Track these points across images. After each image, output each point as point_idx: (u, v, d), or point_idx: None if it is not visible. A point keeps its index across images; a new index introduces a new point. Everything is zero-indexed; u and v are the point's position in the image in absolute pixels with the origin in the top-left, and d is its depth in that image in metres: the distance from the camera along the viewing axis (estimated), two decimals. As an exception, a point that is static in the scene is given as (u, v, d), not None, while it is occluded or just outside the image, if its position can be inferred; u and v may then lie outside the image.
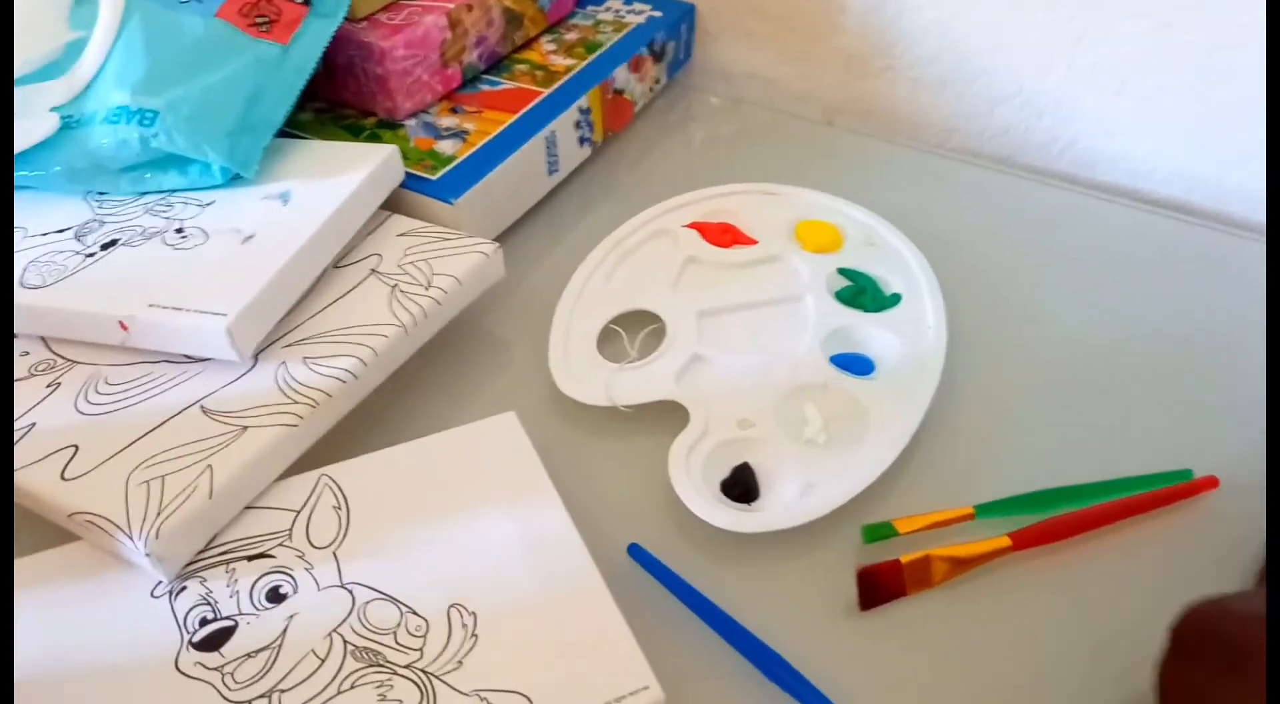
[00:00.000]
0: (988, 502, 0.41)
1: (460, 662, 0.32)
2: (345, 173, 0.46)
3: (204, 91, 0.45)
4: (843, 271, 0.51)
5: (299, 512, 0.37)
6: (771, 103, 0.67)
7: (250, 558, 0.35)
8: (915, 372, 0.46)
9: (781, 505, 0.40)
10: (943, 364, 0.46)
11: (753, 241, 0.53)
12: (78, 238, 0.44)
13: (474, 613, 0.34)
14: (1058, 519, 0.40)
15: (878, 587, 0.37)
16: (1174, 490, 0.42)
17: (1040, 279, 0.53)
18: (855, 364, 0.47)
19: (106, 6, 0.46)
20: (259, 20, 0.48)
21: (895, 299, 0.50)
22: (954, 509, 0.40)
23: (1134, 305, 0.52)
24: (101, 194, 0.47)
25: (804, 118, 0.66)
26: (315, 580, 0.35)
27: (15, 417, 0.38)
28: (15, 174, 0.46)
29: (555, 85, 0.58)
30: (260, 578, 0.35)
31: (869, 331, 0.48)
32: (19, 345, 0.41)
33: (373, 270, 0.45)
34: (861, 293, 0.50)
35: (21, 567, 0.35)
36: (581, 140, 0.59)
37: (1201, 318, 0.51)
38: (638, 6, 0.67)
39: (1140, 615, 0.37)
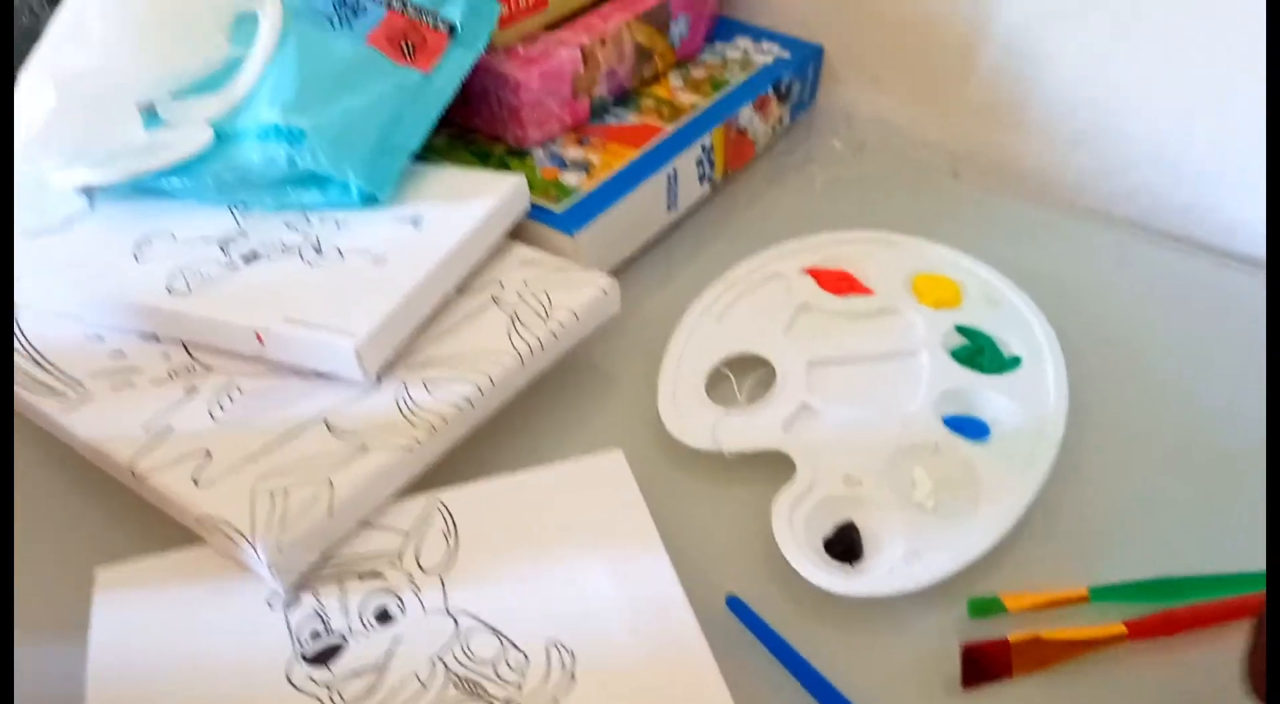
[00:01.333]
0: (1103, 585, 0.39)
1: (556, 700, 0.33)
2: (474, 200, 0.48)
3: (348, 114, 0.47)
4: (961, 329, 0.50)
5: (410, 533, 0.38)
6: (896, 149, 0.67)
7: (362, 576, 0.36)
8: (1032, 439, 0.44)
9: (886, 569, 0.39)
10: (1062, 433, 0.44)
11: (869, 291, 0.53)
12: (222, 248, 0.46)
13: (572, 653, 0.34)
14: (1178, 611, 0.38)
15: (983, 665, 0.36)
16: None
17: (1171, 350, 0.51)
18: (969, 427, 0.46)
19: (266, 27, 0.49)
20: (405, 47, 0.50)
21: (1015, 362, 0.49)
22: (1067, 590, 0.39)
23: (1261, 388, 0.49)
24: (245, 205, 0.49)
25: (929, 167, 0.65)
26: (422, 604, 0.35)
27: (157, 416, 0.40)
28: (169, 181, 0.48)
29: (680, 122, 0.59)
30: (370, 596, 0.36)
31: (985, 394, 0.47)
32: (162, 348, 0.44)
33: (493, 298, 0.46)
34: (979, 353, 0.49)
35: (149, 565, 0.36)
36: (702, 178, 0.59)
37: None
38: (766, 46, 0.67)
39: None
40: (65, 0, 0.48)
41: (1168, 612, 0.38)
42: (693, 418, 0.46)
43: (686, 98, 0.61)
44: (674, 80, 0.63)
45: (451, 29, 0.51)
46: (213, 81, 0.49)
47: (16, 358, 0.43)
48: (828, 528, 0.41)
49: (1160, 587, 0.39)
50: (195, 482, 0.37)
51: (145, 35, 0.48)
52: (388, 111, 0.48)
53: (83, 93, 0.46)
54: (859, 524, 0.41)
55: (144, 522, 0.40)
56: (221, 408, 0.40)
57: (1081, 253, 0.58)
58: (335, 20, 0.50)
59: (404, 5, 0.51)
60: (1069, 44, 0.59)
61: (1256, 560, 0.40)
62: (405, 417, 0.40)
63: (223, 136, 0.48)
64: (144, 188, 0.49)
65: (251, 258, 0.45)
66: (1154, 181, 0.61)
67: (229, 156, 0.47)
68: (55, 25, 0.47)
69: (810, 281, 0.53)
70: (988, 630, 0.38)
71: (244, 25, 0.50)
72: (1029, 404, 0.46)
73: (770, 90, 0.63)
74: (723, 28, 0.69)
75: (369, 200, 0.48)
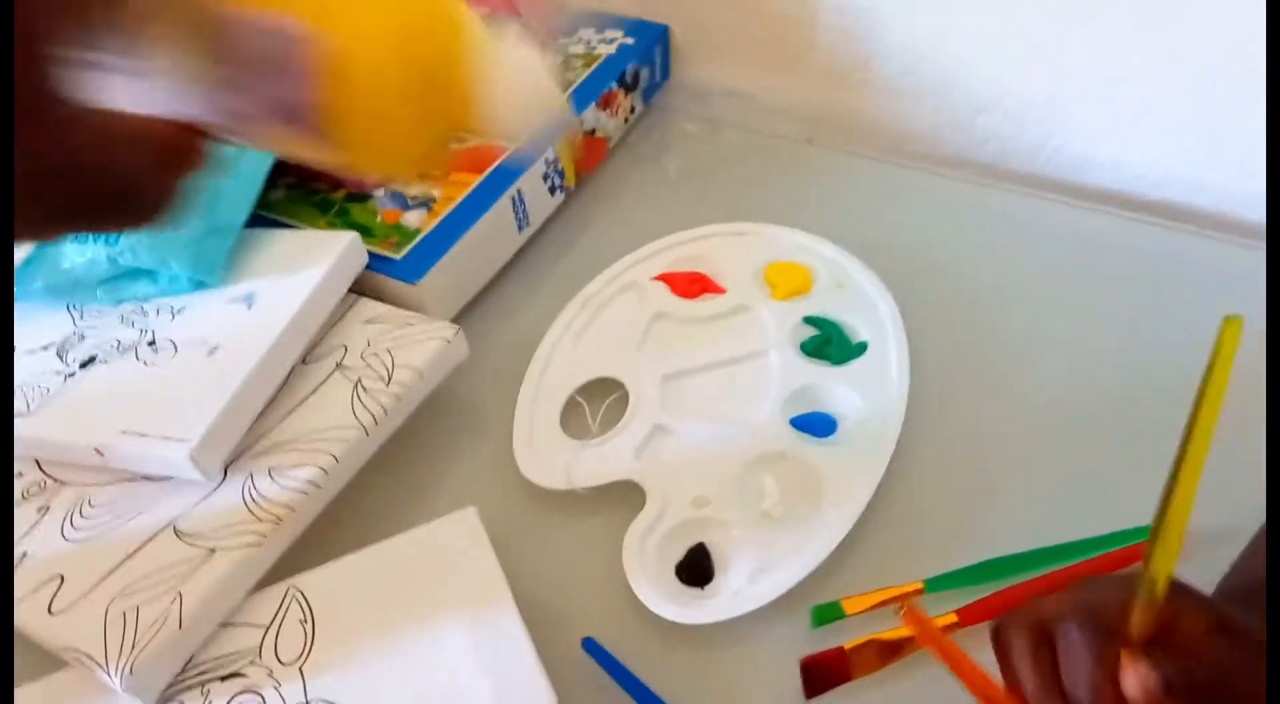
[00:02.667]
0: (938, 575, 0.41)
1: (415, 778, 0.34)
2: (308, 267, 0.48)
3: (165, 201, 0.47)
4: (809, 320, 0.51)
5: (268, 627, 0.39)
6: (751, 123, 0.66)
7: (223, 678, 0.38)
8: (874, 434, 0.46)
9: (732, 592, 0.41)
10: (901, 425, 0.46)
11: (721, 290, 0.54)
12: (59, 355, 0.46)
13: (429, 729, 0.36)
14: (1009, 590, 0.40)
15: (822, 676, 0.38)
16: (1135, 550, 0.41)
17: (1018, 309, 0.53)
18: (817, 425, 0.47)
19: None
20: (214, 120, 0.49)
21: (861, 348, 0.50)
22: (904, 585, 0.41)
23: (1115, 332, 0.51)
24: (81, 304, 0.49)
25: (784, 137, 0.65)
26: (282, 699, 0.37)
27: (13, 542, 0.41)
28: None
29: (522, 137, 0.58)
30: (233, 699, 0.37)
31: (832, 388, 0.48)
32: (15, 467, 0.44)
33: (338, 365, 0.47)
34: (827, 343, 0.50)
35: (24, 695, 0.38)
36: (552, 189, 0.59)
37: (1195, 342, 0.49)
38: (610, 33, 0.66)
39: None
40: None
41: (997, 594, 0.40)
42: (548, 456, 0.47)
43: (528, 107, 0.60)
44: (515, 88, 0.62)
45: (260, 91, 0.50)
46: (28, 181, 0.49)
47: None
48: (680, 553, 0.43)
49: (992, 567, 0.41)
50: (50, 611, 0.38)
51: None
52: (205, 192, 0.48)
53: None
54: (709, 544, 0.43)
55: (20, 646, 0.41)
56: (74, 526, 0.41)
57: (934, 209, 0.59)
58: (138, 102, 0.49)
59: (207, 74, 0.50)
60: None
61: (1084, 531, 0.42)
62: (251, 511, 0.41)
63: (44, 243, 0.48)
64: (-19, 297, 0.49)
65: (89, 362, 0.46)
66: (1001, 126, 0.61)
67: (53, 261, 0.47)
68: None
69: (664, 288, 0.54)
70: (831, 636, 0.40)
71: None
72: (872, 394, 0.47)
73: (615, 85, 0.62)
74: (565, 19, 0.68)
75: (200, 285, 0.48)
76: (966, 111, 0.62)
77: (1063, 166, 0.61)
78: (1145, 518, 0.41)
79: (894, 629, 0.39)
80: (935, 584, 0.41)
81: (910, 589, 0.41)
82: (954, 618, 0.39)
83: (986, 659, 0.39)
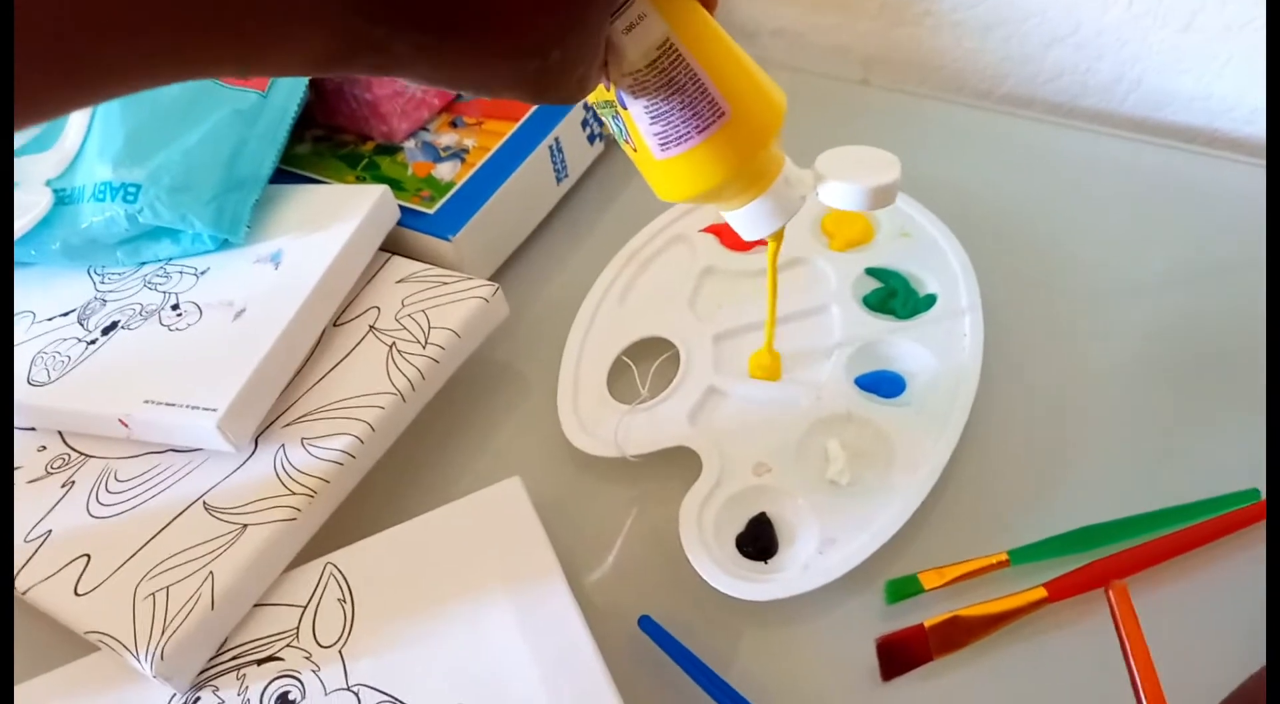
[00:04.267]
0: (1023, 545, 0.38)
1: (464, 767, 0.32)
2: (337, 223, 0.45)
3: (184, 155, 0.44)
4: (871, 272, 0.48)
5: (305, 607, 0.37)
6: (802, 62, 0.62)
7: (260, 662, 0.36)
8: (948, 392, 0.42)
9: (799, 566, 0.38)
10: (977, 385, 0.42)
11: (775, 241, 0.50)
12: (80, 322, 0.44)
13: (477, 714, 0.33)
14: (1099, 562, 0.37)
15: (900, 656, 0.36)
16: (1236, 516, 0.38)
17: (1097, 258, 0.48)
18: (884, 384, 0.44)
19: (80, 73, 0.45)
20: (234, 67, 0.46)
21: (930, 301, 0.46)
22: (986, 557, 0.38)
23: (1207, 285, 0.46)
24: (102, 266, 0.47)
25: (837, 77, 0.61)
26: (322, 684, 0.35)
27: (36, 522, 0.39)
28: (18, 253, 0.46)
29: (559, 82, 0.55)
30: (270, 683, 0.35)
31: (899, 345, 0.45)
32: (37, 439, 0.42)
33: (370, 327, 0.44)
34: (892, 296, 0.47)
35: (48, 681, 0.36)
36: (591, 137, 0.56)
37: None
38: (648, -30, 0.62)
39: (1202, 668, 0.33)
40: None
41: (1085, 567, 0.37)
42: (596, 421, 0.44)
43: (564, 50, 0.57)
44: (550, 31, 0.59)
45: (281, 36, 0.47)
46: (44, 138, 0.46)
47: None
48: (740, 524, 0.40)
49: (1081, 537, 0.38)
50: (76, 591, 0.36)
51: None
52: (228, 143, 0.45)
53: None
54: (772, 515, 0.40)
55: (45, 628, 0.39)
56: (100, 502, 0.39)
57: (1002, 151, 0.55)
58: (153, 50, 0.46)
59: (224, 19, 0.47)
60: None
61: (1177, 496, 0.39)
62: (284, 484, 0.38)
63: (62, 199, 0.45)
64: None
65: (110, 329, 0.43)
66: (1073, 61, 0.57)
67: (72, 221, 0.45)
68: None
69: (712, 240, 0.50)
70: (907, 612, 0.37)
71: (59, 71, 0.46)
72: (943, 351, 0.44)
73: (655, 24, 0.58)
74: (601, -44, 0.63)
75: (223, 244, 0.45)
76: (1037, 45, 0.57)
77: (1142, 103, 0.56)
78: (1240, 482, 0.38)
79: (977, 605, 0.36)
80: (1020, 555, 0.38)
81: (994, 561, 0.38)
82: (1043, 592, 0.36)
83: (1080, 635, 0.36)
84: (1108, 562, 0.37)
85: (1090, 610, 0.36)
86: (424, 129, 0.53)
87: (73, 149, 0.45)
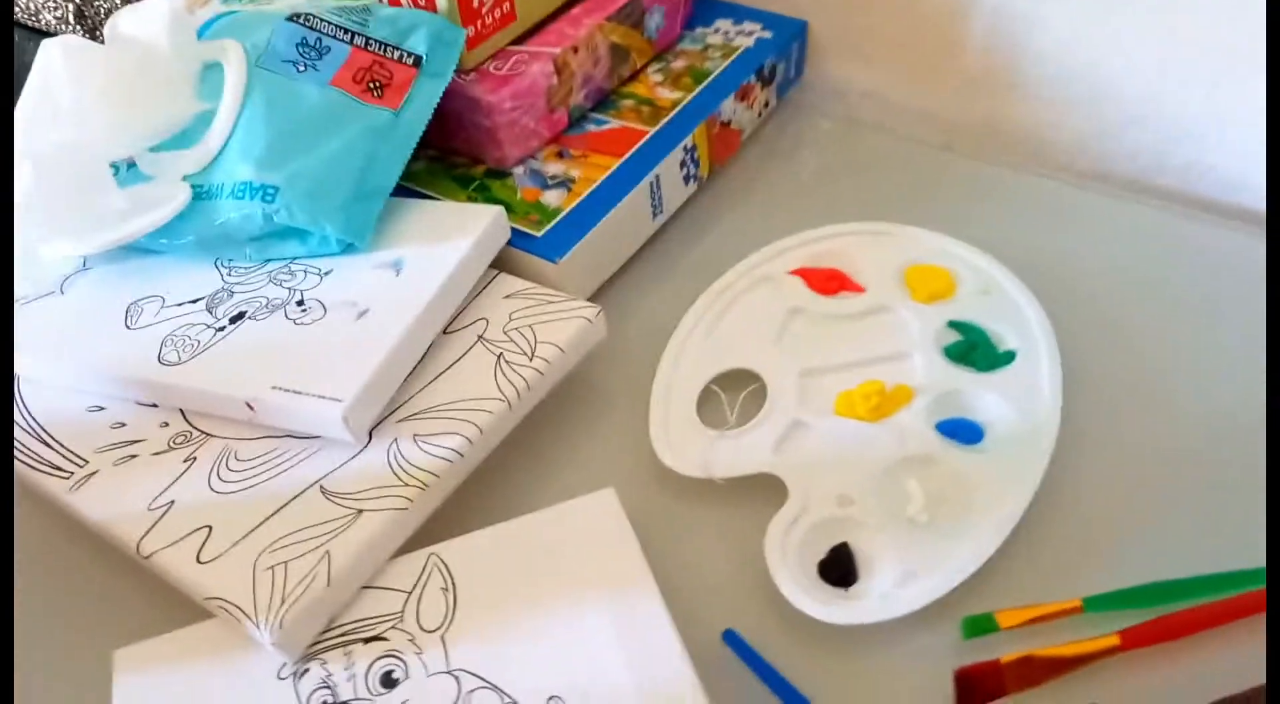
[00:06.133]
0: (1098, 594, 0.40)
1: (558, 756, 0.34)
2: (454, 238, 0.48)
3: (321, 163, 0.47)
4: (953, 324, 0.50)
5: (410, 593, 0.39)
6: (887, 124, 0.65)
7: (366, 641, 0.37)
8: (1026, 443, 0.44)
9: (879, 595, 0.40)
10: (1056, 436, 0.44)
11: (860, 289, 0.52)
12: (209, 309, 0.47)
13: (571, 707, 0.35)
14: (1173, 616, 0.38)
15: (976, 690, 0.37)
16: (1306, 585, 0.39)
17: (1168, 325, 0.50)
18: (963, 431, 0.45)
19: (231, 81, 0.49)
20: (371, 86, 0.50)
21: (1009, 357, 0.48)
22: (1061, 602, 0.39)
23: (1263, 353, 0.48)
24: (230, 260, 0.50)
25: (921, 141, 0.64)
26: (424, 665, 0.37)
27: (159, 492, 0.41)
28: (154, 241, 0.49)
29: (661, 122, 0.58)
30: (375, 661, 0.37)
31: (979, 394, 0.47)
32: (160, 415, 0.45)
33: (479, 337, 0.46)
34: (973, 349, 0.49)
35: (164, 644, 0.38)
36: (687, 178, 0.58)
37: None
38: (748, 26, 0.65)
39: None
40: (30, 77, 0.48)
41: (1161, 618, 0.38)
42: (684, 443, 0.46)
43: (667, 94, 0.60)
44: (653, 74, 0.62)
45: (417, 60, 0.50)
46: (186, 137, 0.49)
47: (23, 435, 0.45)
48: (822, 551, 0.42)
49: (1155, 591, 0.39)
50: (199, 559, 0.38)
51: (112, 98, 0.48)
52: (360, 155, 0.48)
53: (59, 166, 0.47)
54: (853, 545, 0.42)
55: (160, 593, 0.41)
56: (220, 478, 0.41)
57: (1079, 222, 0.57)
58: (300, 64, 0.49)
59: (367, 41, 0.50)
60: (1061, 6, 0.57)
61: (1254, 559, 0.40)
62: (397, 475, 0.40)
63: (200, 194, 0.48)
64: (133, 246, 0.49)
65: (238, 318, 0.46)
66: (1152, 140, 0.59)
67: (208, 215, 0.48)
68: (23, 103, 0.48)
69: (799, 283, 0.53)
70: (982, 648, 0.38)
71: (210, 77, 0.50)
72: (1023, 403, 0.46)
73: (753, 77, 0.62)
74: (702, 7, 0.67)
75: (348, 248, 0.48)
76: (1116, 124, 0.60)
77: (1214, 186, 0.59)
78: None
79: (1052, 646, 0.38)
80: (1094, 604, 0.39)
81: (1069, 606, 0.39)
82: (1116, 640, 0.38)
83: (1151, 683, 0.38)
84: (1183, 615, 0.38)
85: (1163, 661, 0.38)
86: (533, 157, 0.56)
87: (215, 149, 0.48)
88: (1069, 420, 0.45)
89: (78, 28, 0.68)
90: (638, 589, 0.38)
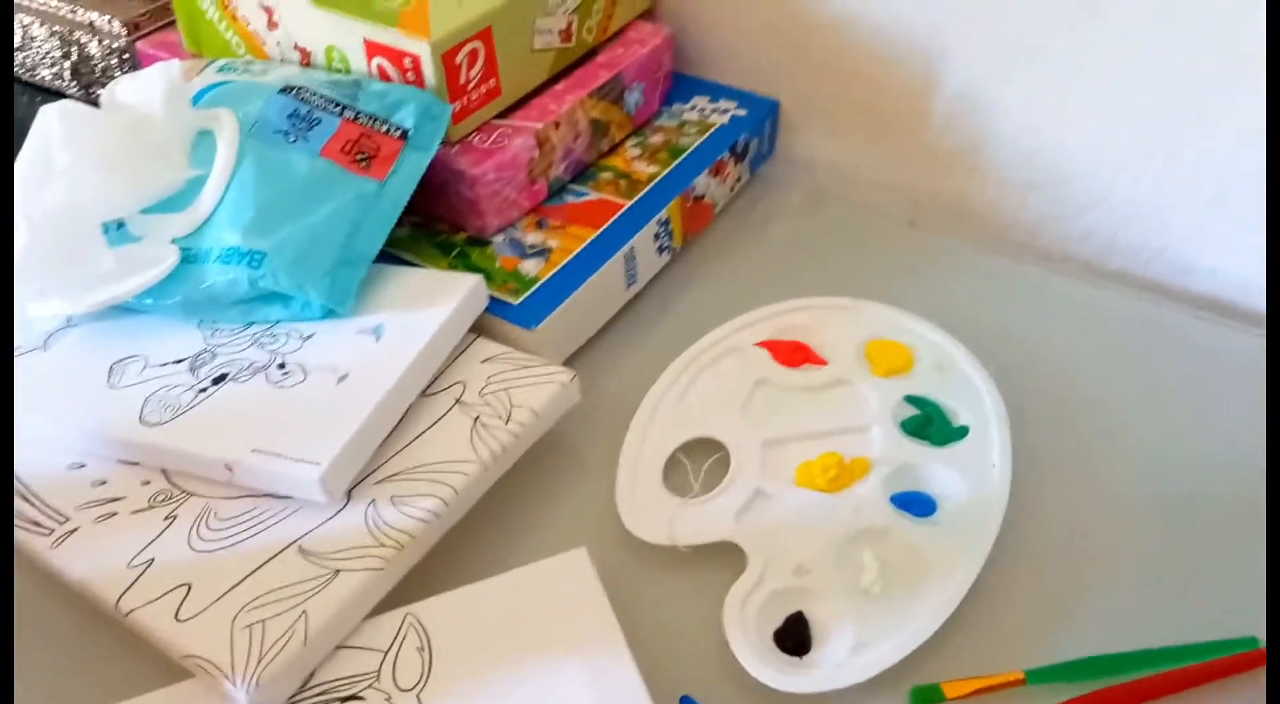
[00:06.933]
0: (1041, 666, 0.41)
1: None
2: (434, 305, 0.50)
3: (307, 231, 0.49)
4: (910, 399, 0.52)
5: (386, 652, 0.40)
6: (854, 199, 0.68)
7: (343, 700, 0.39)
8: (977, 517, 0.46)
9: (833, 664, 0.41)
10: (1004, 510, 0.46)
11: (823, 361, 0.55)
12: (191, 370, 0.48)
13: (537, 770, 0.36)
14: (1110, 690, 0.40)
15: (922, 756, 0.39)
16: (1235, 661, 0.41)
17: (1118, 406, 0.53)
18: (916, 504, 0.48)
19: (223, 148, 0.51)
20: (359, 157, 0.52)
21: (962, 432, 0.50)
22: (1005, 674, 0.41)
23: (1217, 440, 0.51)
24: (213, 322, 0.51)
25: (887, 215, 0.67)
26: (396, 726, 0.38)
27: (139, 549, 0.42)
28: (140, 301, 0.50)
29: (637, 196, 0.60)
30: (347, 721, 0.38)
31: (933, 468, 0.49)
32: (141, 474, 0.46)
33: (457, 400, 0.48)
34: (928, 423, 0.51)
35: (143, 703, 0.39)
36: (661, 249, 0.61)
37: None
38: (723, 104, 0.68)
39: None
40: (28, 139, 0.49)
41: (1102, 691, 0.40)
42: (651, 510, 0.48)
43: (644, 168, 0.63)
44: (631, 149, 0.65)
45: (404, 134, 0.53)
46: (177, 201, 0.51)
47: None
48: (778, 620, 0.44)
49: (1094, 665, 0.42)
50: (177, 617, 0.39)
51: (108, 160, 0.50)
52: (346, 224, 0.50)
53: (53, 226, 0.48)
54: (808, 614, 0.44)
55: (139, 651, 0.42)
56: (200, 536, 0.43)
57: (1035, 300, 0.60)
58: (291, 135, 0.51)
59: (357, 114, 0.53)
60: (1018, 91, 0.61)
61: (1201, 634, 0.42)
62: (374, 536, 0.42)
63: (188, 257, 0.50)
64: (118, 304, 0.51)
65: (220, 380, 0.47)
66: (1106, 224, 0.63)
67: (195, 278, 0.49)
68: (21, 163, 0.49)
69: (765, 354, 0.55)
70: (930, 718, 0.40)
71: (203, 144, 0.52)
72: (974, 478, 0.48)
73: (727, 153, 0.64)
74: (680, 85, 0.70)
75: (330, 313, 0.50)
76: (1074, 207, 0.63)
77: (1163, 269, 0.62)
78: (1249, 628, 0.42)
79: (995, 716, 0.39)
80: (1037, 676, 0.41)
81: (1012, 678, 0.41)
82: (1056, 711, 0.40)
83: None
84: (1114, 691, 0.40)
85: (1098, 732, 0.40)
86: (513, 226, 0.59)
87: (205, 213, 0.50)
88: (1018, 495, 0.47)
89: (74, 82, 0.70)
90: (610, 649, 0.40)
